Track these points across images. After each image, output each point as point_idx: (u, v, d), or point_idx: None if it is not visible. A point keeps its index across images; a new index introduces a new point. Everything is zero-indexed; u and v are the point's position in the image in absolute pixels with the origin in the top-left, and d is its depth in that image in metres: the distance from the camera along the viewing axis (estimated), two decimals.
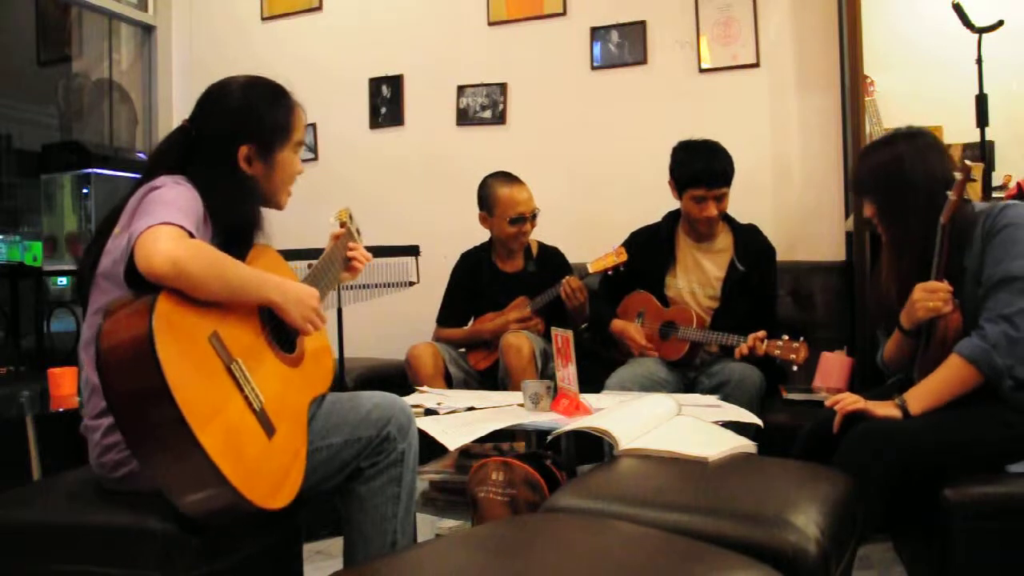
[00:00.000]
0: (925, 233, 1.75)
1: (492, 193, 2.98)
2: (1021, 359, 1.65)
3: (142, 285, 1.32)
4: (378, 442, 1.62)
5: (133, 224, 1.36)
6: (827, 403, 1.77)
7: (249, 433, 1.35)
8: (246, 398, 1.36)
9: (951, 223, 1.72)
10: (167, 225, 1.33)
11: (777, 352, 2.40)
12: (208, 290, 1.35)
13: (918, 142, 1.83)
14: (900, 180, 1.81)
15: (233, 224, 1.54)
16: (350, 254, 1.87)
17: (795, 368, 2.39)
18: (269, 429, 1.39)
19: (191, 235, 1.36)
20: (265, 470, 1.36)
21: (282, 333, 1.57)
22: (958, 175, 1.71)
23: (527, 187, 2.99)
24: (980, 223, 1.75)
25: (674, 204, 2.80)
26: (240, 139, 1.60)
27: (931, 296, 1.72)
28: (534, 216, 3.00)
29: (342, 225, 1.90)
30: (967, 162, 1.71)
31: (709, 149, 2.66)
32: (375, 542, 1.63)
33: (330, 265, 1.82)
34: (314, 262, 1.81)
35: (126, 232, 1.40)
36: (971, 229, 1.76)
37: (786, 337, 2.41)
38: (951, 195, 1.71)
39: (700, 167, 2.63)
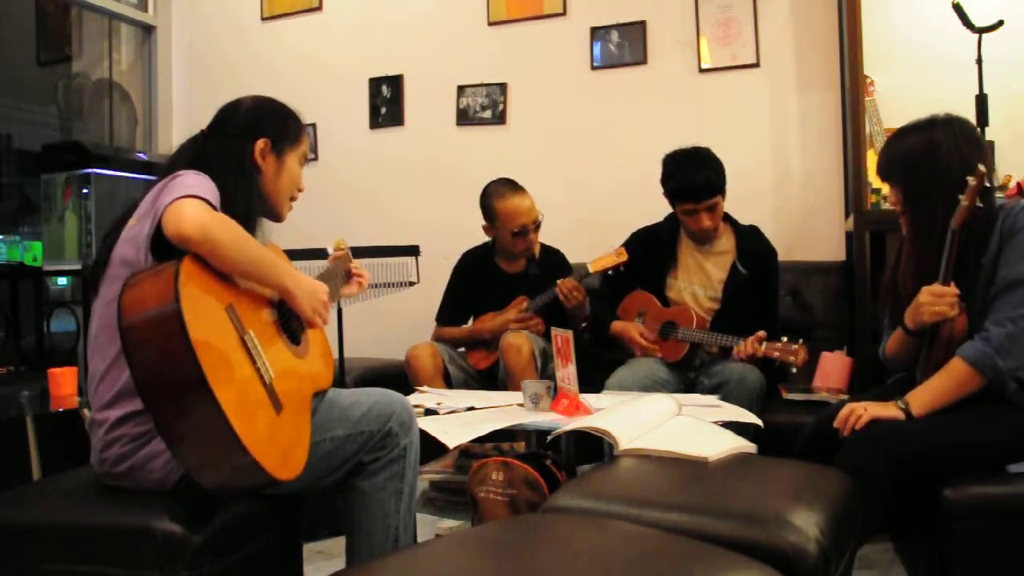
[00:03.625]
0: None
1: (493, 206, 2.97)
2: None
3: (166, 256, 1.37)
4: (380, 437, 1.63)
5: (158, 201, 1.42)
6: (835, 424, 1.75)
7: (259, 403, 1.38)
8: (257, 370, 1.39)
9: (962, 228, 1.67)
10: (194, 198, 1.39)
11: (776, 354, 2.40)
12: (230, 260, 1.40)
13: (955, 129, 1.76)
14: (932, 168, 1.74)
15: (241, 215, 1.55)
16: (352, 267, 1.92)
17: (794, 370, 2.39)
18: (277, 404, 1.42)
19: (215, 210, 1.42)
20: (274, 438, 1.38)
21: (288, 327, 1.59)
22: (972, 180, 1.66)
23: (528, 195, 2.97)
24: (999, 222, 1.71)
25: None
26: (257, 132, 1.67)
27: (938, 300, 1.70)
28: (537, 225, 2.99)
29: (339, 250, 1.96)
30: (981, 168, 1.66)
31: (694, 162, 2.62)
32: (377, 538, 1.63)
33: (333, 276, 1.87)
34: (318, 262, 1.84)
35: (148, 216, 1.45)
36: (990, 228, 1.72)
37: (785, 339, 2.41)
38: (963, 200, 1.66)
39: (685, 182, 2.61)
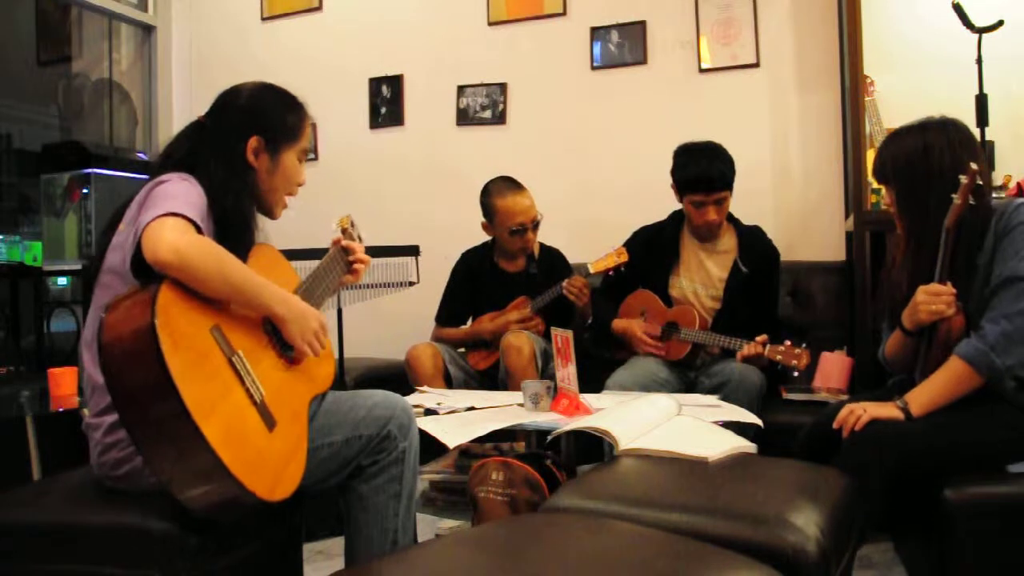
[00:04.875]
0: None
1: (491, 204, 2.96)
2: (1022, 359, 1.64)
3: (148, 276, 1.34)
4: (379, 440, 1.62)
5: (140, 216, 1.38)
6: (835, 425, 1.74)
7: (250, 425, 1.36)
8: (247, 390, 1.37)
9: (956, 227, 1.69)
10: (174, 216, 1.35)
11: (779, 357, 2.40)
12: (210, 285, 1.35)
13: (949, 132, 1.77)
14: (925, 170, 1.76)
15: (233, 216, 1.54)
16: (351, 257, 1.86)
17: (796, 374, 2.39)
18: (270, 422, 1.40)
19: (198, 228, 1.38)
20: (266, 462, 1.37)
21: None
22: (964, 179, 1.66)
23: (528, 193, 2.97)
24: (994, 221, 1.72)
25: (672, 204, 2.80)
26: (250, 130, 1.62)
27: (934, 299, 1.70)
28: (536, 225, 2.99)
29: (344, 232, 1.89)
30: (973, 166, 1.67)
31: (708, 154, 2.64)
32: (376, 540, 1.63)
33: (330, 269, 1.81)
34: (317, 262, 1.81)
35: (132, 226, 1.41)
36: (984, 227, 1.72)
37: (788, 343, 2.41)
38: (956, 199, 1.67)
39: (698, 173, 2.62)
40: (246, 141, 1.61)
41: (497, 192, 2.97)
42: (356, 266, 1.86)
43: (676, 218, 2.84)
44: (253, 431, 1.36)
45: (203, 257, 1.33)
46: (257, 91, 1.69)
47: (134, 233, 1.37)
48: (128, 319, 1.26)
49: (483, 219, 3.03)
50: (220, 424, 1.26)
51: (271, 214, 1.71)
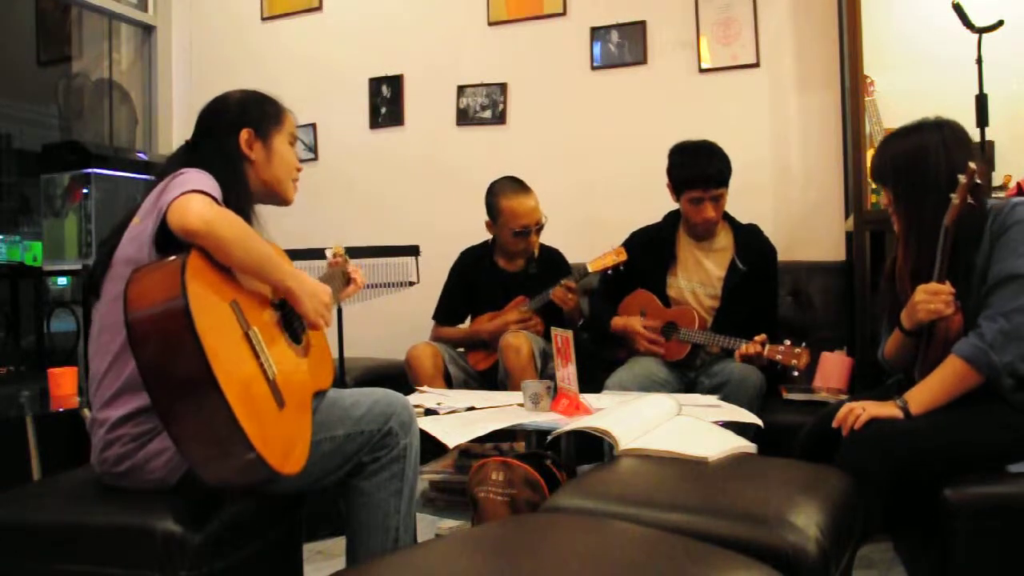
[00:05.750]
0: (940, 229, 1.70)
1: (497, 203, 2.97)
2: (1020, 356, 1.64)
3: (169, 251, 1.38)
4: (380, 437, 1.63)
5: (162, 199, 1.43)
6: (834, 424, 1.75)
7: (263, 398, 1.39)
8: (261, 366, 1.40)
9: (955, 226, 1.69)
10: (199, 193, 1.40)
11: (779, 357, 2.40)
12: (233, 256, 1.41)
13: (944, 133, 1.78)
14: (922, 171, 1.76)
15: (239, 210, 1.56)
16: (351, 273, 1.93)
17: (795, 373, 2.39)
18: (279, 400, 1.43)
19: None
20: (277, 433, 1.39)
21: (290, 327, 1.60)
22: (962, 178, 1.66)
23: (534, 196, 2.97)
24: (990, 221, 1.72)
25: (672, 203, 2.80)
26: (239, 126, 1.68)
27: (933, 298, 1.70)
28: (539, 228, 2.99)
29: (338, 256, 1.99)
30: (972, 165, 1.67)
31: (705, 151, 2.66)
32: (377, 538, 1.63)
33: (333, 279, 1.89)
34: (317, 262, 1.85)
35: (152, 214, 1.45)
36: (981, 227, 1.73)
37: (788, 342, 2.41)
38: (954, 198, 1.67)
39: (695, 170, 2.63)
40: (239, 136, 1.68)
41: (503, 192, 2.97)
42: (354, 277, 1.94)
43: (672, 218, 2.85)
44: (265, 405, 1.39)
45: (228, 226, 1.39)
46: (238, 94, 1.77)
47: (157, 213, 1.42)
48: (158, 280, 1.31)
49: (487, 217, 3.03)
50: (238, 389, 1.29)
51: (286, 199, 1.78)
